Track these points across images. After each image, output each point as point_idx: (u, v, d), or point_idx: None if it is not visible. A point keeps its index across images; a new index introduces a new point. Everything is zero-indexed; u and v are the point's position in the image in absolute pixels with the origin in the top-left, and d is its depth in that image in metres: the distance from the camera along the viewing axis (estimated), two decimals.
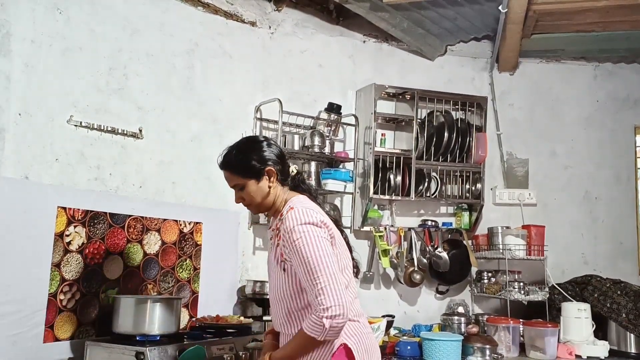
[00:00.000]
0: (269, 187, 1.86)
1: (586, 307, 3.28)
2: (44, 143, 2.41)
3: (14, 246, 2.25)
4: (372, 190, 3.43)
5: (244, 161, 1.84)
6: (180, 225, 2.88)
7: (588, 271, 3.70)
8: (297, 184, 1.95)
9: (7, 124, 2.29)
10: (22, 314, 2.25)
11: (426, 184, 3.62)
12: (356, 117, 3.57)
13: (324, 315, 1.66)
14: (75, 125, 2.52)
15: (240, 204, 1.92)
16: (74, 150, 2.51)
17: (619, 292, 3.32)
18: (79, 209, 2.47)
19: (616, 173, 3.98)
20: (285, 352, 1.77)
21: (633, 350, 3.25)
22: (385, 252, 3.48)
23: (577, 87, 4.04)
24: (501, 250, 3.53)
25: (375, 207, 3.59)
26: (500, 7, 3.33)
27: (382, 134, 3.60)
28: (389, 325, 3.25)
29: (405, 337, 3.18)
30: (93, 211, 2.52)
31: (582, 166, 3.97)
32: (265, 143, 1.89)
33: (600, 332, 3.33)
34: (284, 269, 1.79)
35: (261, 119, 3.31)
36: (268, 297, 1.99)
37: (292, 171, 1.94)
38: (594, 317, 3.28)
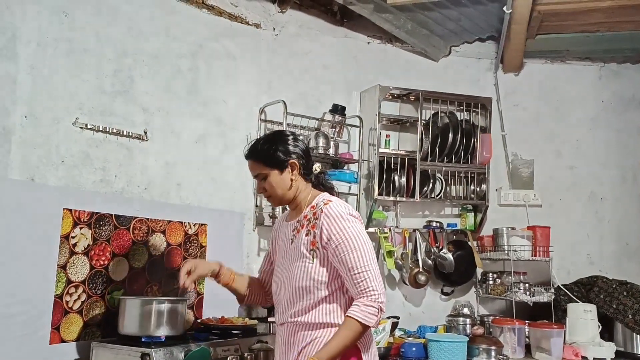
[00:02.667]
0: (291, 180, 1.90)
1: (592, 308, 3.27)
2: (50, 145, 2.42)
3: (21, 248, 2.26)
4: (376, 192, 3.43)
5: (269, 151, 1.89)
6: (185, 226, 2.89)
7: (594, 272, 3.69)
8: (320, 182, 1.99)
9: (13, 127, 2.30)
10: (28, 316, 2.26)
11: (431, 185, 3.61)
12: (360, 119, 3.57)
13: (379, 300, 1.73)
14: (81, 128, 2.53)
15: (262, 195, 1.98)
16: (80, 152, 2.52)
17: (625, 293, 3.31)
18: (84, 211, 2.48)
19: (622, 173, 3.96)
20: (335, 347, 1.72)
21: (639, 351, 3.23)
22: (390, 254, 3.48)
23: (582, 87, 4.02)
24: (506, 252, 3.52)
25: (380, 208, 3.59)
26: (504, 8, 3.33)
27: (386, 135, 3.59)
28: (394, 326, 3.25)
29: (410, 339, 3.18)
30: (99, 213, 2.53)
31: (588, 167, 3.96)
32: (292, 137, 1.94)
33: (607, 333, 3.31)
34: (314, 257, 1.81)
35: (266, 121, 3.31)
36: (273, 288, 1.98)
37: (315, 169, 1.99)
38: (600, 318, 3.26)
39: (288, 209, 2.03)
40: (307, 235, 1.84)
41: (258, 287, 2.13)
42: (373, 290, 1.73)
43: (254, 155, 1.93)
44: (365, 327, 1.73)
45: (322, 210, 1.82)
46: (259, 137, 2.01)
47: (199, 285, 2.93)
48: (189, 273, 1.97)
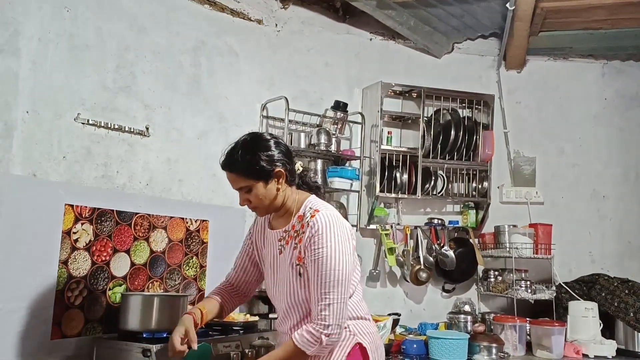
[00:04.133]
0: (278, 189, 1.77)
1: (593, 306, 3.26)
2: (52, 141, 2.42)
3: (22, 243, 2.26)
4: (378, 189, 3.42)
5: (251, 162, 1.72)
6: (187, 222, 2.89)
7: (595, 270, 3.69)
8: (304, 181, 1.89)
9: (15, 122, 2.30)
10: (30, 311, 2.26)
11: (433, 182, 3.61)
12: (362, 115, 3.57)
13: (323, 332, 1.66)
14: (83, 123, 2.53)
15: (246, 206, 1.82)
16: (81, 148, 2.52)
17: (626, 291, 3.31)
18: (86, 207, 2.48)
19: (624, 171, 3.95)
20: None
21: None
22: (392, 251, 3.48)
23: (585, 84, 4.01)
24: (508, 249, 3.52)
25: (382, 205, 3.59)
26: (507, 5, 3.32)
27: (388, 132, 3.59)
28: (395, 323, 3.25)
29: (411, 336, 3.18)
30: (100, 209, 2.53)
31: (590, 164, 3.95)
32: (273, 141, 1.77)
33: (608, 331, 3.31)
34: (300, 274, 1.75)
35: (267, 117, 3.31)
36: (269, 295, 1.94)
37: (298, 168, 1.87)
38: (602, 316, 3.26)
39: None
40: (294, 249, 1.76)
41: (229, 298, 2.01)
42: (323, 320, 1.65)
43: (233, 168, 1.75)
44: (301, 352, 1.66)
45: (308, 223, 1.72)
46: (235, 144, 1.76)
47: (201, 282, 2.93)
48: (183, 339, 1.80)
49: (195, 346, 1.78)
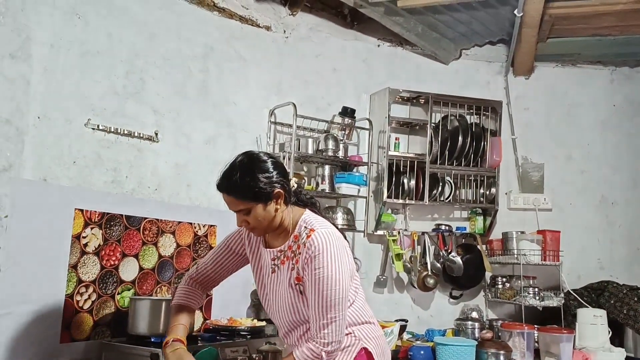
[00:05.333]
0: (276, 210, 1.74)
1: (602, 313, 3.24)
2: (62, 146, 2.45)
3: (32, 247, 2.28)
4: (385, 194, 3.43)
5: (250, 185, 1.67)
6: (195, 227, 2.90)
7: (604, 277, 3.66)
8: (299, 198, 1.86)
9: (26, 127, 2.33)
10: (39, 314, 2.28)
11: (440, 188, 3.61)
12: (370, 121, 3.58)
13: (324, 349, 1.68)
14: (93, 129, 2.55)
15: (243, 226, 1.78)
16: (91, 153, 2.55)
17: (635, 299, 3.28)
18: (95, 211, 2.50)
19: (633, 177, 3.93)
20: None
21: None
22: (399, 256, 3.48)
23: (593, 91, 4.00)
24: (516, 256, 3.50)
25: (389, 211, 3.59)
26: (515, 11, 3.32)
27: (396, 138, 3.59)
28: (402, 329, 3.25)
29: (418, 342, 3.18)
30: (109, 213, 2.55)
31: (599, 171, 3.94)
32: (270, 162, 1.73)
33: (617, 339, 3.29)
34: (301, 292, 1.75)
35: (275, 123, 3.33)
36: (268, 312, 1.93)
37: (293, 185, 1.83)
38: (610, 324, 3.24)
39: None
40: (292, 269, 1.75)
41: (196, 298, 1.98)
42: (323, 338, 1.68)
43: (231, 191, 1.69)
44: None
45: (305, 244, 1.71)
46: (231, 166, 1.71)
47: None
48: None
49: None
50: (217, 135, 3.08)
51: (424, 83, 3.75)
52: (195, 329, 2.61)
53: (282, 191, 1.73)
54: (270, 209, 1.72)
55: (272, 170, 1.71)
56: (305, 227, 1.75)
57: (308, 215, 1.80)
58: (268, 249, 1.84)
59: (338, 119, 3.47)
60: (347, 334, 1.78)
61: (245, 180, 1.68)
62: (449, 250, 3.62)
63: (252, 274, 1.99)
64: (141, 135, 2.73)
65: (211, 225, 2.97)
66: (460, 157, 3.60)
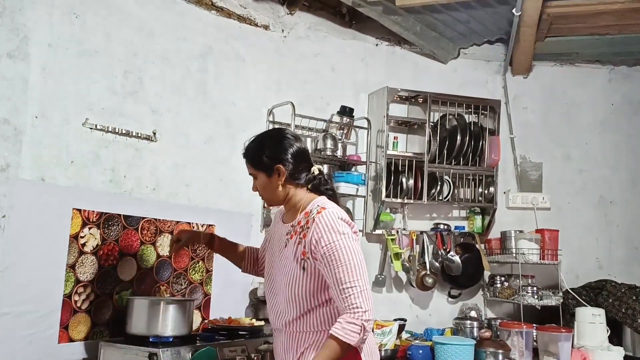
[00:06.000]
0: (278, 185, 1.85)
1: (601, 312, 3.24)
2: (60, 145, 2.44)
3: (30, 247, 2.28)
4: (384, 194, 3.43)
5: (257, 153, 1.86)
6: (193, 227, 2.90)
7: (603, 276, 3.67)
8: (318, 185, 1.90)
9: (24, 127, 2.32)
10: (37, 314, 2.28)
11: (439, 188, 3.61)
12: (368, 120, 3.57)
13: (362, 318, 1.66)
14: (91, 128, 2.55)
15: (257, 193, 1.95)
16: (89, 153, 2.54)
17: (634, 298, 3.29)
18: (93, 211, 2.50)
19: (632, 177, 3.94)
20: None
21: None
22: (397, 256, 3.48)
23: (591, 90, 4.00)
24: (514, 255, 3.50)
25: (388, 210, 3.59)
26: (514, 10, 3.32)
27: (394, 137, 3.59)
28: (401, 329, 3.25)
29: (417, 341, 3.18)
30: (107, 213, 2.55)
31: (597, 170, 3.94)
32: (286, 141, 1.87)
33: (615, 338, 3.29)
34: (304, 268, 1.76)
35: (274, 122, 3.32)
36: (265, 289, 1.97)
37: (314, 172, 1.89)
38: (609, 323, 3.24)
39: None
40: (298, 244, 1.78)
41: (253, 260, 2.19)
42: (358, 307, 1.66)
43: (245, 154, 1.92)
44: (347, 346, 1.66)
45: (314, 219, 1.75)
46: (257, 134, 1.95)
47: (207, 287, 2.94)
48: (175, 242, 2.13)
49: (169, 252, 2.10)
50: (215, 135, 3.08)
51: (422, 82, 3.75)
52: (193, 329, 2.60)
53: (283, 169, 1.83)
54: (272, 182, 1.86)
55: (281, 147, 1.85)
56: (317, 205, 1.81)
57: (323, 199, 1.87)
58: (284, 224, 1.92)
59: (336, 118, 3.47)
60: None
61: (255, 148, 1.88)
62: (448, 250, 3.62)
63: (265, 255, 2.07)
64: (139, 135, 2.73)
65: (210, 225, 2.97)
66: (458, 156, 3.60)
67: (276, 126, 3.34)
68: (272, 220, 2.12)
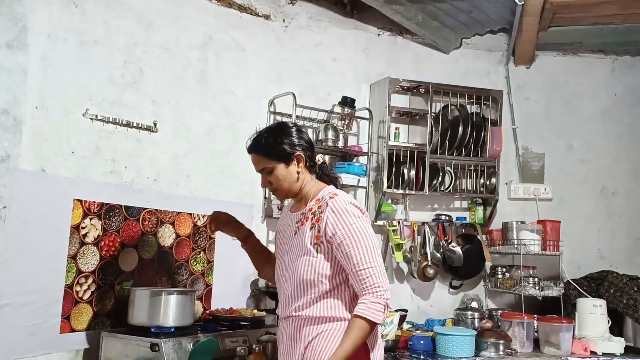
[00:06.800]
0: (298, 173, 1.88)
1: (602, 303, 3.25)
2: (60, 136, 2.43)
3: (31, 238, 2.28)
4: (385, 185, 3.42)
5: (274, 144, 1.86)
6: (194, 218, 2.90)
7: (604, 267, 3.67)
8: (324, 173, 1.98)
9: (24, 117, 2.31)
10: (39, 305, 2.28)
11: (440, 178, 3.60)
12: (370, 111, 3.56)
13: (383, 296, 1.72)
14: (91, 119, 2.54)
15: (267, 188, 1.96)
16: (90, 144, 2.54)
17: (635, 288, 3.29)
18: (94, 202, 2.49)
19: (634, 167, 3.93)
20: (348, 349, 1.70)
21: None
22: (399, 247, 3.48)
23: (594, 80, 3.98)
24: (516, 246, 3.50)
25: (389, 201, 3.59)
26: (516, 0, 3.29)
27: (396, 128, 3.58)
28: (402, 319, 3.25)
29: (418, 332, 3.18)
30: (108, 204, 2.55)
31: (599, 160, 3.92)
32: (295, 129, 1.91)
33: (616, 329, 3.30)
34: (317, 252, 1.80)
35: (275, 113, 3.31)
36: (276, 277, 1.97)
37: (319, 160, 1.97)
38: (610, 313, 3.24)
39: (292, 200, 2.02)
40: (311, 229, 1.82)
41: (273, 266, 2.12)
42: (379, 286, 1.72)
43: (258, 149, 1.89)
44: (373, 325, 1.72)
45: (327, 204, 1.80)
46: (261, 130, 1.95)
47: (208, 277, 2.94)
48: (212, 222, 2.11)
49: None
50: (216, 126, 3.07)
51: (424, 72, 3.73)
52: (195, 319, 2.61)
53: (302, 154, 1.88)
54: (291, 170, 1.88)
55: (295, 135, 1.89)
56: (328, 192, 1.87)
57: (332, 187, 1.93)
58: (293, 213, 1.95)
59: (338, 109, 3.46)
60: (342, 320, 1.79)
61: (269, 140, 1.87)
62: (449, 241, 3.62)
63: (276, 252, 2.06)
64: (140, 126, 2.72)
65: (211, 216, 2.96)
66: (460, 147, 3.59)
67: (277, 117, 3.33)
68: (280, 217, 2.12)
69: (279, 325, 1.95)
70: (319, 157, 2.02)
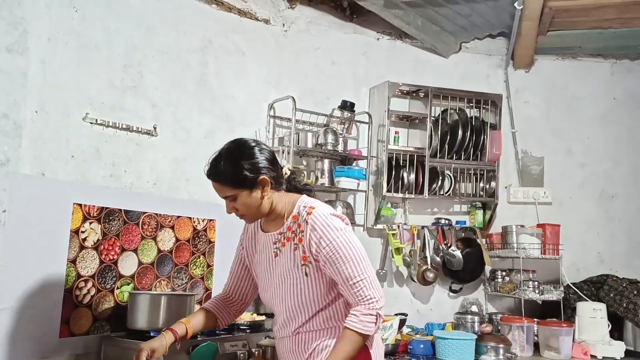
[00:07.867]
0: (262, 197, 1.75)
1: (602, 307, 3.24)
2: (60, 140, 2.43)
3: (31, 242, 2.27)
4: (385, 188, 3.42)
5: (234, 171, 1.71)
6: (194, 222, 2.89)
7: (604, 271, 3.67)
8: (292, 185, 1.87)
9: (23, 121, 2.31)
10: (38, 309, 2.28)
11: (440, 182, 3.60)
12: (370, 115, 3.56)
13: (375, 307, 1.68)
14: (91, 123, 2.54)
15: (233, 214, 1.81)
16: (90, 147, 2.53)
17: (635, 292, 3.29)
18: (94, 206, 2.49)
19: (633, 171, 3.93)
20: None
21: None
22: (398, 250, 3.47)
23: (593, 84, 3.99)
24: (515, 249, 3.50)
25: (389, 205, 3.58)
26: (515, 4, 3.30)
27: (395, 132, 3.58)
28: (402, 323, 3.25)
29: (418, 336, 3.18)
30: (108, 208, 2.55)
31: (599, 164, 3.93)
32: (257, 148, 1.76)
33: (616, 332, 3.30)
34: (306, 274, 1.74)
35: (274, 117, 3.31)
36: (265, 301, 1.90)
37: (286, 172, 1.84)
38: (610, 317, 3.24)
39: None
40: (295, 250, 1.75)
41: (224, 308, 1.98)
42: (370, 298, 1.68)
43: (217, 178, 1.74)
44: (365, 336, 1.69)
45: (307, 222, 1.72)
46: (219, 152, 1.77)
47: (208, 281, 2.94)
48: (150, 355, 1.77)
49: None
50: (216, 129, 3.07)
51: (423, 76, 3.73)
52: None
53: (267, 178, 1.74)
54: (255, 196, 1.74)
55: (257, 157, 1.74)
56: (304, 206, 1.77)
57: (305, 198, 1.83)
58: (267, 233, 1.85)
59: (337, 113, 3.46)
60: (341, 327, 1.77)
61: (229, 167, 1.72)
62: (449, 244, 3.62)
63: (251, 269, 1.98)
64: (140, 130, 2.72)
65: (210, 220, 2.97)
66: (460, 150, 3.59)
67: (276, 121, 3.33)
68: (246, 233, 1.99)
69: (277, 343, 1.90)
70: (286, 169, 1.85)
